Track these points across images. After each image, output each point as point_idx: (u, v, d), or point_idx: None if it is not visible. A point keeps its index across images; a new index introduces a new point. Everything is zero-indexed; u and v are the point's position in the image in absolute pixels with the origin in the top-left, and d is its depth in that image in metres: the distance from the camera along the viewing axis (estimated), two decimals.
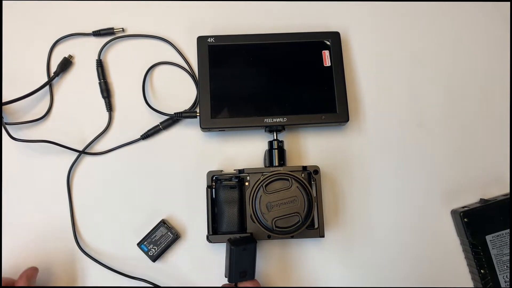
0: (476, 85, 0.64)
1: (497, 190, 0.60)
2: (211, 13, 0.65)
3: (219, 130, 0.59)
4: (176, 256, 0.58)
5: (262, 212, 0.51)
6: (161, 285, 0.57)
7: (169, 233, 0.56)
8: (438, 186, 0.61)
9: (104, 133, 0.61)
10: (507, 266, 0.56)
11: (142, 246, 0.56)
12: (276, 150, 0.57)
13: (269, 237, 0.53)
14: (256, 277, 0.55)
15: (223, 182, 0.55)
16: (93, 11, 0.64)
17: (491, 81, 0.64)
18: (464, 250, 0.58)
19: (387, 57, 0.64)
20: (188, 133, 0.61)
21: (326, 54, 0.60)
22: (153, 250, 0.56)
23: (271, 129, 0.58)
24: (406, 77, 0.64)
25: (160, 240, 0.56)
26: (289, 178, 0.52)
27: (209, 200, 0.55)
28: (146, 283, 0.56)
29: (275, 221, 0.51)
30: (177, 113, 0.59)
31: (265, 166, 0.57)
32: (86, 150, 0.60)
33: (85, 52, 0.63)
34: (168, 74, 0.63)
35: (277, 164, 0.56)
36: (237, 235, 0.53)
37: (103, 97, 0.61)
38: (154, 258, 0.56)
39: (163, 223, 0.57)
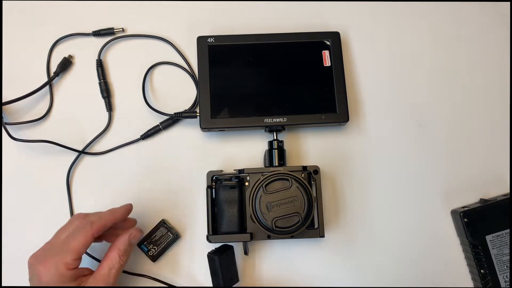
0: (476, 85, 0.64)
1: (497, 190, 0.60)
2: (211, 13, 0.65)
3: (219, 130, 0.59)
4: (176, 256, 0.58)
5: (262, 212, 0.51)
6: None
7: (169, 233, 0.56)
8: (438, 186, 0.61)
9: (104, 133, 0.61)
10: (507, 266, 0.56)
11: (142, 246, 0.56)
12: (276, 150, 0.57)
13: (269, 237, 0.53)
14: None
15: (223, 182, 0.55)
16: (93, 11, 0.64)
17: (491, 81, 0.64)
18: (464, 250, 0.58)
19: (387, 57, 0.65)
20: (188, 133, 0.61)
21: (326, 54, 0.60)
22: (153, 250, 0.56)
23: (271, 129, 0.58)
24: (406, 77, 0.64)
25: (160, 240, 0.56)
26: (289, 178, 0.52)
27: (209, 200, 0.55)
28: (151, 280, 0.56)
29: (275, 221, 0.51)
30: (177, 113, 0.59)
31: (265, 166, 0.57)
32: (86, 150, 0.60)
33: (85, 52, 0.63)
34: (168, 74, 0.63)
35: (277, 164, 0.56)
36: (213, 249, 0.54)
37: (103, 97, 0.61)
38: (154, 258, 0.56)
39: (163, 223, 0.57)
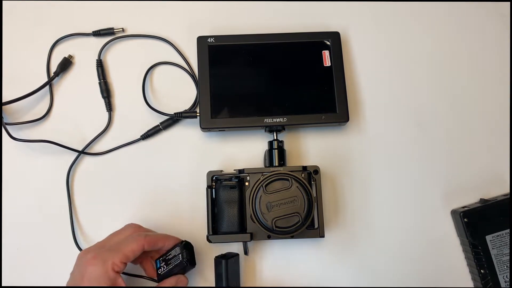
0: (476, 85, 0.64)
1: (497, 190, 0.60)
2: (211, 13, 0.65)
3: (219, 130, 0.59)
4: None
5: (262, 212, 0.51)
6: None
7: (179, 255, 0.50)
8: (438, 186, 0.61)
9: (104, 133, 0.61)
10: (507, 266, 0.56)
11: (157, 261, 0.52)
12: (276, 150, 0.57)
13: (269, 237, 0.53)
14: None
15: (223, 182, 0.55)
16: (93, 11, 0.64)
17: (491, 81, 0.64)
18: (464, 250, 0.58)
19: (387, 57, 0.65)
20: (188, 133, 0.61)
21: (326, 54, 0.60)
22: (162, 268, 0.51)
23: (271, 129, 0.58)
24: (406, 77, 0.64)
25: (171, 260, 0.51)
26: (289, 178, 0.52)
27: (209, 200, 0.55)
28: (150, 280, 0.55)
29: (275, 221, 0.51)
30: (177, 113, 0.59)
31: (265, 166, 0.57)
32: (86, 150, 0.60)
33: (85, 52, 0.63)
34: (168, 74, 0.63)
35: (277, 164, 0.56)
36: (220, 255, 0.54)
37: (103, 97, 0.61)
38: (160, 278, 0.51)
39: (180, 243, 0.52)
